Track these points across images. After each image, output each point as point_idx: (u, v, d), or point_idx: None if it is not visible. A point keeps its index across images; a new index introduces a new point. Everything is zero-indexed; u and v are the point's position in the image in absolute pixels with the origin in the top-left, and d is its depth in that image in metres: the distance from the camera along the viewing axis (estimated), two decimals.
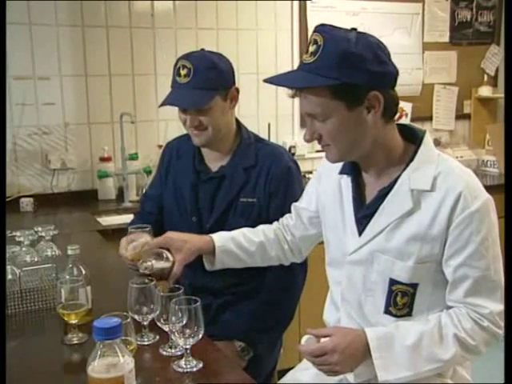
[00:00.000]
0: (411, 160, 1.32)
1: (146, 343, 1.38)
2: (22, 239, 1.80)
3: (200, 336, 1.27)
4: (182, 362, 1.28)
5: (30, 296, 1.58)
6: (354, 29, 1.27)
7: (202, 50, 1.81)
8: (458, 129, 4.15)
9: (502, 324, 1.27)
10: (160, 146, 3.02)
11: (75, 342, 1.40)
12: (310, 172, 3.26)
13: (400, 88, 1.29)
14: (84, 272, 1.49)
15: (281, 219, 1.69)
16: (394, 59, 1.29)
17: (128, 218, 2.73)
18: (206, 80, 1.70)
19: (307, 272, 1.85)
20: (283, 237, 1.65)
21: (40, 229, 1.88)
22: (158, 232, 1.65)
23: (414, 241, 1.29)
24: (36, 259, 1.72)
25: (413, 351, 1.27)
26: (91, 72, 3.02)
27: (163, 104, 1.74)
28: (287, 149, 3.35)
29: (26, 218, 2.72)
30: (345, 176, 1.43)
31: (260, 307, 1.79)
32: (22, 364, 1.33)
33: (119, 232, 2.47)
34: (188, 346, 1.27)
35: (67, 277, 1.47)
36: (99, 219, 2.78)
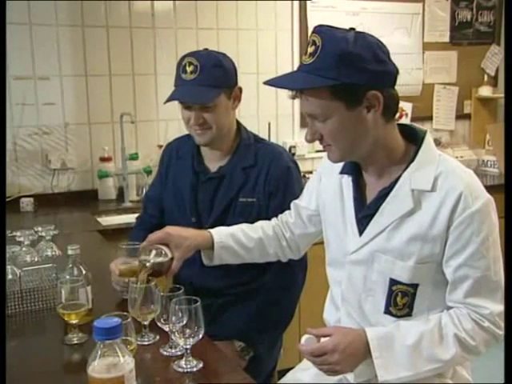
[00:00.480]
0: (412, 160, 1.32)
1: (146, 343, 1.38)
2: (22, 239, 1.79)
3: (200, 336, 1.27)
4: (183, 362, 1.28)
5: (31, 296, 1.58)
6: (353, 29, 1.27)
7: (206, 49, 1.81)
8: (458, 129, 4.15)
9: (502, 324, 1.27)
10: (160, 146, 3.02)
11: (75, 341, 1.40)
12: (310, 172, 3.26)
13: (400, 88, 1.29)
14: (84, 272, 1.49)
15: (280, 216, 1.69)
16: (394, 59, 1.29)
17: (128, 217, 2.75)
18: (213, 77, 1.71)
19: (307, 271, 1.85)
20: (282, 234, 1.65)
21: (40, 229, 1.88)
22: None
23: (415, 241, 1.29)
24: (36, 259, 1.72)
25: (413, 351, 1.27)
26: (91, 72, 3.02)
27: (169, 100, 1.74)
28: (287, 149, 3.36)
29: (26, 217, 2.71)
30: (345, 176, 1.44)
31: (260, 307, 1.79)
32: (22, 364, 1.33)
33: (119, 232, 2.48)
34: (188, 346, 1.27)
35: (67, 277, 1.47)
36: (99, 219, 2.78)
